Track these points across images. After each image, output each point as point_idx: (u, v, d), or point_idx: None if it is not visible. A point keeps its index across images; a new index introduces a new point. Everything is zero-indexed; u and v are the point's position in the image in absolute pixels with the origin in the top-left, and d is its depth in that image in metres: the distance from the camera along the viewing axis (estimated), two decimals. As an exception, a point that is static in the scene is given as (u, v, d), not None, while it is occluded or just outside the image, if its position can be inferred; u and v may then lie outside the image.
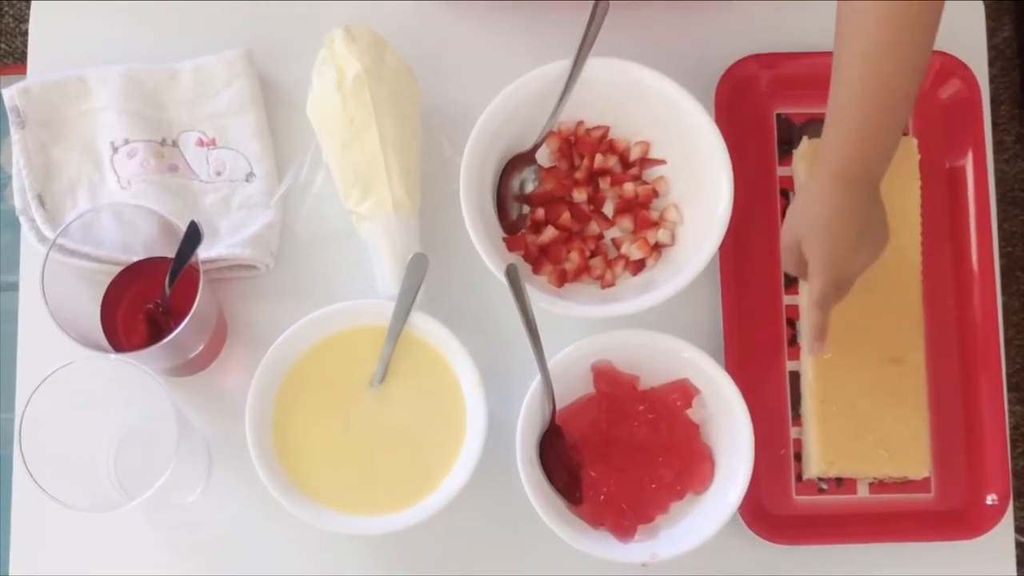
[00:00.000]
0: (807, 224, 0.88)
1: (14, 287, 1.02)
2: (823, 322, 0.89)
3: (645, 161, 1.03)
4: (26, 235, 1.00)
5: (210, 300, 0.94)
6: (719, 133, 0.97)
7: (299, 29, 1.06)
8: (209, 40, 1.05)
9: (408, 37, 1.02)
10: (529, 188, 1.02)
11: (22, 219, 0.99)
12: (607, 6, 0.97)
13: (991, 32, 1.09)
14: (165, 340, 0.87)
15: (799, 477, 1.01)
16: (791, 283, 1.03)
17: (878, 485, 1.01)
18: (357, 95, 0.96)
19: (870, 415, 0.98)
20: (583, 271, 1.00)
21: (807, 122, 1.06)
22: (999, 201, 1.56)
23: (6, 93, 1.02)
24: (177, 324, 0.87)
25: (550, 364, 0.94)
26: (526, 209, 1.02)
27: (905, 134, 1.06)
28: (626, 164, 1.03)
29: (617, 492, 0.95)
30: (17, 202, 1.00)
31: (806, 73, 1.05)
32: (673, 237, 1.01)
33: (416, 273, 0.95)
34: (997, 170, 1.09)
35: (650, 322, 0.96)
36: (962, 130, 1.05)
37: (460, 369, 0.95)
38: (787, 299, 1.03)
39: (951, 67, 1.05)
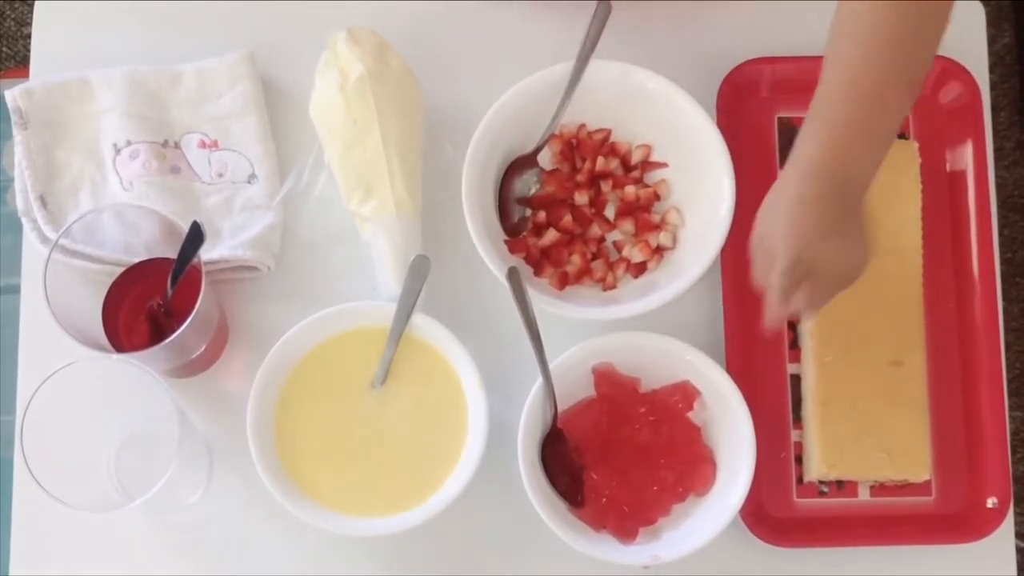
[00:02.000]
0: (774, 212, 0.82)
1: (15, 289, 1.02)
2: (778, 309, 0.82)
3: (647, 164, 1.03)
4: (28, 236, 1.00)
5: (212, 301, 0.94)
6: (721, 136, 0.97)
7: (302, 31, 1.06)
8: (212, 42, 1.05)
9: (410, 39, 1.03)
10: (531, 191, 1.02)
11: (24, 220, 0.99)
12: (608, 8, 0.97)
13: (991, 39, 1.10)
14: (167, 341, 0.87)
15: (800, 480, 1.01)
16: (792, 286, 1.03)
17: (879, 488, 1.01)
18: (360, 97, 0.96)
19: (871, 418, 0.98)
20: (584, 274, 1.00)
21: (808, 126, 1.06)
22: (999, 207, 1.57)
23: (8, 95, 1.02)
24: (179, 325, 0.87)
25: (551, 366, 0.94)
26: (528, 211, 1.02)
27: (906, 138, 1.06)
28: (628, 167, 1.03)
29: (619, 494, 0.95)
30: (19, 203, 1.00)
31: (808, 77, 1.04)
32: (674, 240, 1.01)
33: (418, 275, 0.95)
34: (997, 176, 1.09)
35: (651, 324, 0.96)
36: (963, 134, 1.06)
37: (461, 371, 0.95)
38: (788, 302, 1.03)
39: (952, 71, 1.06)
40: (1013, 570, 1.00)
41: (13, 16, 1.82)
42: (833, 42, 0.79)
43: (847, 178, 0.80)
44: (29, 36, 1.08)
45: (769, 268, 0.82)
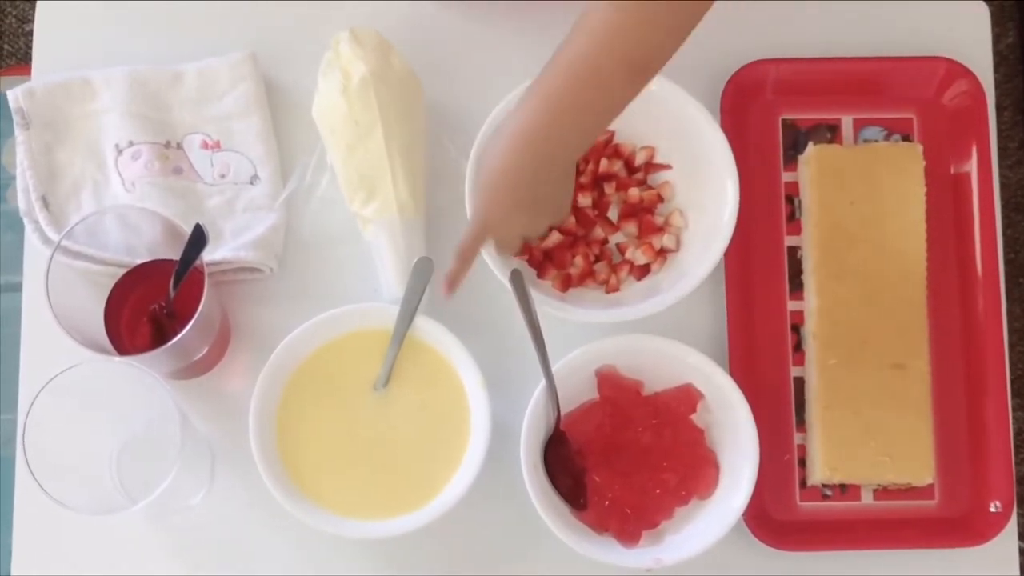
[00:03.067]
0: (483, 170, 0.83)
1: (16, 288, 1.02)
2: (458, 271, 0.88)
3: (650, 166, 1.03)
4: (30, 237, 0.99)
5: (214, 303, 0.94)
6: (725, 138, 0.97)
7: (304, 32, 1.06)
8: (214, 42, 1.05)
9: (413, 40, 1.02)
10: (534, 192, 1.02)
11: (26, 221, 0.99)
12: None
13: (995, 38, 1.09)
14: (169, 343, 0.86)
15: (803, 483, 1.00)
16: (796, 288, 1.03)
17: (882, 491, 1.00)
18: (362, 98, 0.96)
19: (874, 421, 0.98)
20: (587, 276, 1.00)
21: (813, 127, 1.06)
22: (1002, 207, 1.57)
23: (10, 95, 1.02)
24: (181, 327, 0.87)
25: (554, 369, 0.94)
26: (531, 213, 1.02)
27: (910, 139, 1.06)
28: (631, 169, 1.03)
29: (622, 497, 0.95)
30: (21, 204, 1.00)
31: (812, 78, 1.05)
32: (678, 242, 1.01)
33: (420, 276, 0.95)
34: (1001, 176, 1.09)
35: (654, 327, 0.96)
36: (967, 136, 1.05)
37: (464, 373, 0.95)
38: (791, 305, 1.03)
39: (956, 72, 1.05)
40: (1016, 573, 1.00)
41: (14, 13, 1.81)
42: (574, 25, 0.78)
43: (549, 154, 0.80)
44: (30, 33, 1.08)
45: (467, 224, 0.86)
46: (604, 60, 0.74)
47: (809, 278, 1.01)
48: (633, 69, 0.75)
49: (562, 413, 0.96)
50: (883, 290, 1.00)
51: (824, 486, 1.00)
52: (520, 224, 0.86)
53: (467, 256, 0.87)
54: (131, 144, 1.01)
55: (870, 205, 1.01)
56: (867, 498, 1.00)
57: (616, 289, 1.00)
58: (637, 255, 1.00)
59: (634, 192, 1.01)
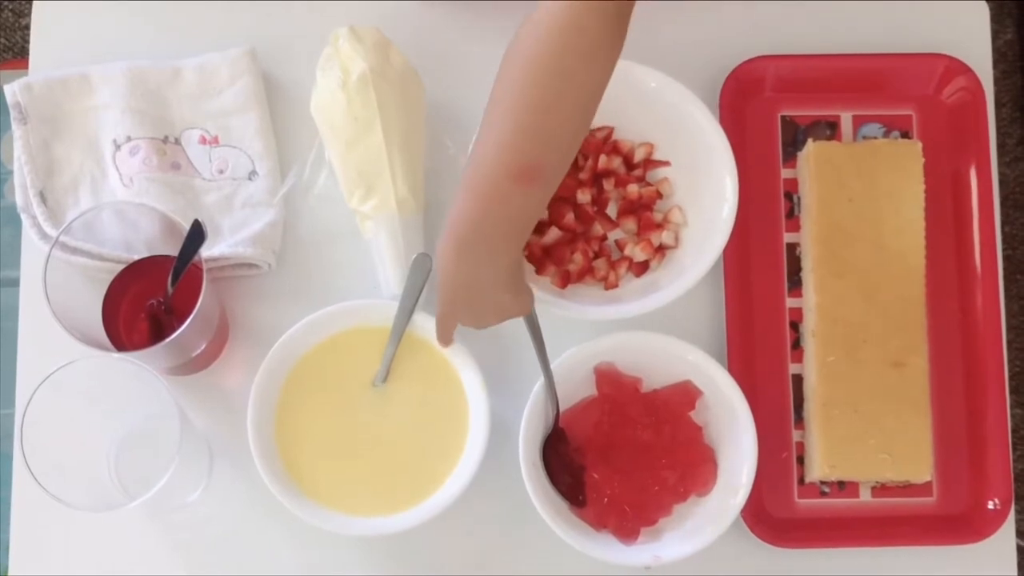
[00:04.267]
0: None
1: (15, 283, 1.02)
2: (442, 336, 0.92)
3: (649, 162, 1.02)
4: (27, 232, 0.99)
5: (212, 299, 0.93)
6: (724, 135, 0.97)
7: (303, 27, 1.05)
8: (213, 38, 1.05)
9: (412, 37, 1.02)
10: (533, 188, 1.01)
11: (23, 216, 0.99)
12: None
13: (993, 35, 1.09)
14: (168, 340, 0.86)
15: (801, 480, 1.00)
16: (795, 285, 1.03)
17: (880, 489, 1.00)
18: (362, 94, 0.96)
19: (873, 418, 0.98)
20: (586, 272, 1.00)
21: (812, 124, 1.06)
22: (1001, 204, 1.57)
23: (8, 89, 1.01)
24: (179, 323, 0.87)
25: (553, 366, 0.94)
26: (530, 210, 1.01)
27: (909, 137, 1.06)
28: (630, 165, 1.03)
29: (620, 494, 0.95)
30: (19, 199, 0.99)
31: (811, 75, 1.05)
32: (677, 239, 1.00)
33: (419, 273, 0.95)
34: (999, 172, 1.09)
35: (653, 324, 0.96)
36: (966, 133, 1.05)
37: (463, 370, 0.95)
38: (790, 302, 1.03)
39: (955, 69, 1.05)
40: (1014, 570, 1.00)
41: (11, 7, 1.80)
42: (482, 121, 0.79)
43: (479, 246, 0.80)
44: (27, 27, 1.08)
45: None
46: (498, 175, 0.77)
47: (808, 275, 1.01)
48: (523, 181, 0.77)
49: (561, 410, 0.96)
50: (882, 287, 1.00)
51: (822, 483, 1.00)
52: (473, 316, 0.87)
53: (444, 330, 0.91)
54: (129, 139, 1.01)
55: (869, 202, 1.01)
56: (865, 495, 1.01)
57: (615, 286, 1.00)
58: (636, 252, 1.00)
59: (633, 188, 1.01)
